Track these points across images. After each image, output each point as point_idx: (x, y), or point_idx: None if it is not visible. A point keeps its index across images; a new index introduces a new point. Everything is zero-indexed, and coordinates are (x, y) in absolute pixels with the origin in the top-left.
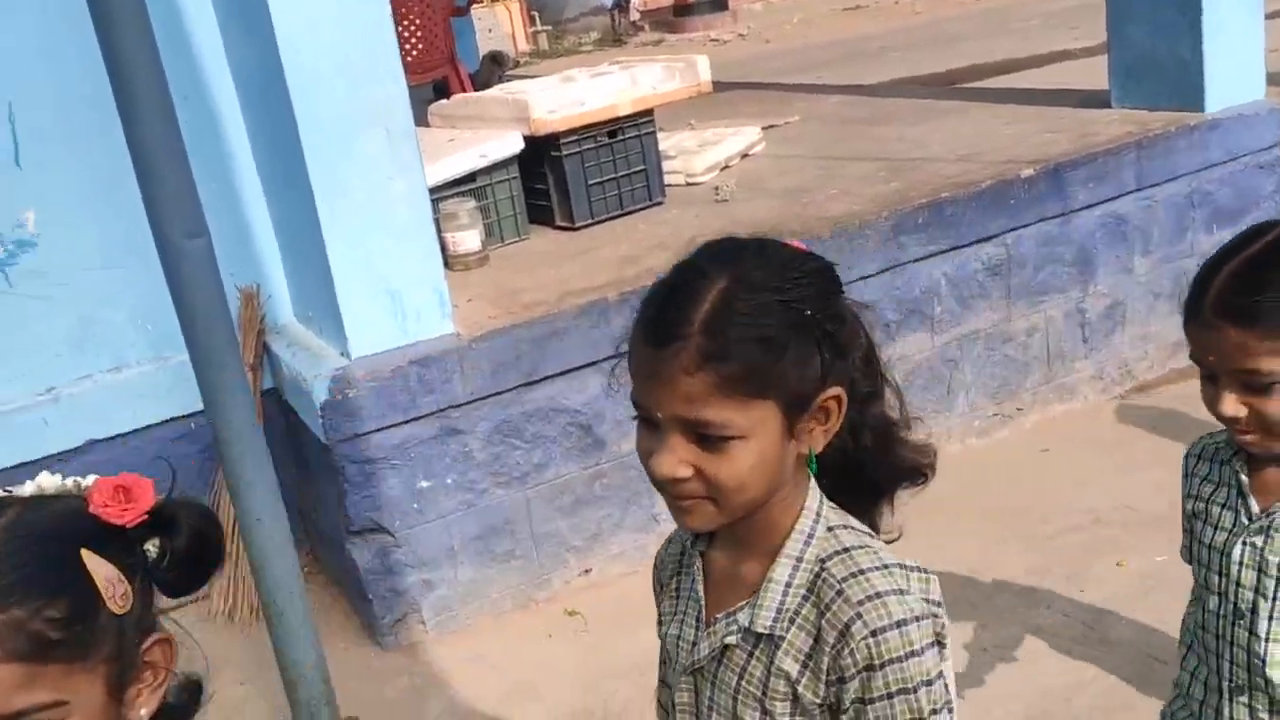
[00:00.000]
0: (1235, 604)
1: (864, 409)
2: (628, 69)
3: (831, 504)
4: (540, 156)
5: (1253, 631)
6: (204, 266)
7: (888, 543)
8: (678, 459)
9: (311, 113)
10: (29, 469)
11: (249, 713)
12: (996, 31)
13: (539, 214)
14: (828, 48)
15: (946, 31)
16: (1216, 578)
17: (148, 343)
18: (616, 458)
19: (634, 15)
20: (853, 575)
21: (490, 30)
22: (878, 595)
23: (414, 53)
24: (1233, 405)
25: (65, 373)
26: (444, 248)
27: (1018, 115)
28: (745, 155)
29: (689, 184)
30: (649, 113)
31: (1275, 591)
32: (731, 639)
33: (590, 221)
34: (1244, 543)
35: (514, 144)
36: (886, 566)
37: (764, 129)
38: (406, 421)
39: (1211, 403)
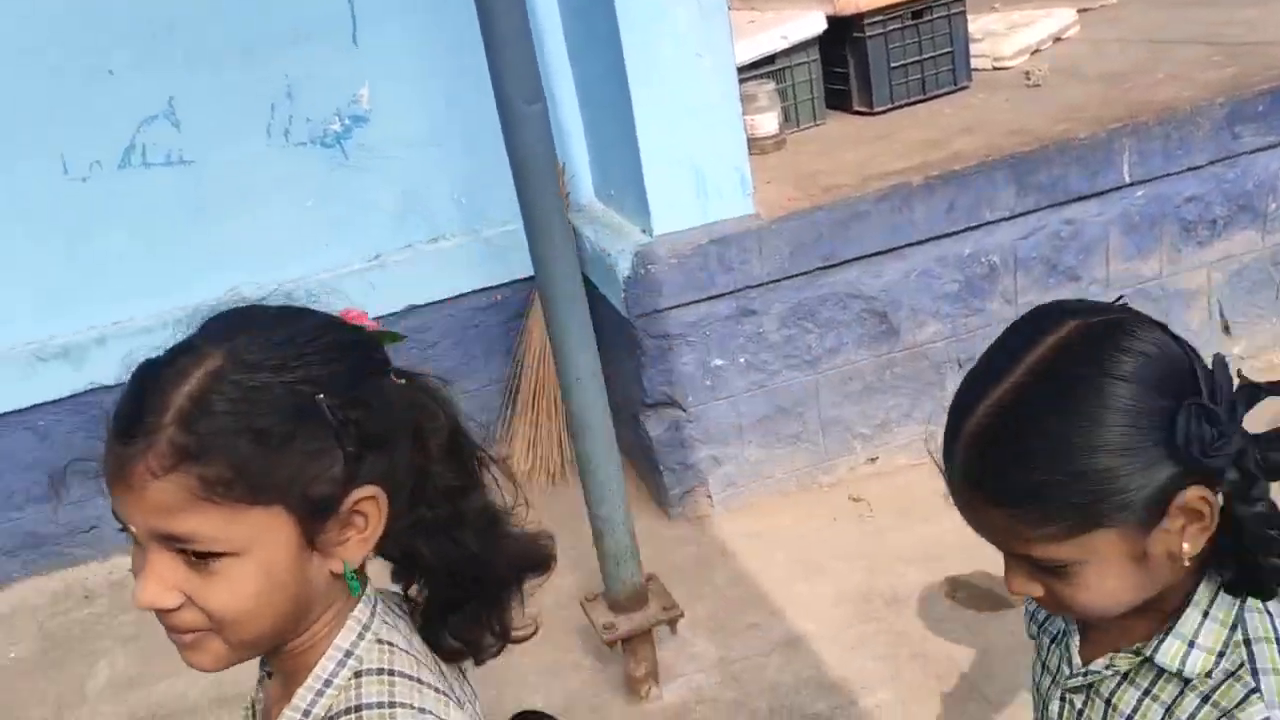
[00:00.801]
0: None
1: (458, 505)
2: None
3: (382, 639)
4: (840, 38)
5: None
6: (540, 131)
7: (523, 639)
8: (161, 585)
9: None
10: None
11: None
12: None
13: (835, 99)
14: None
15: None
16: None
17: (462, 217)
18: (910, 347)
19: None
20: None
21: None
22: None
23: None
24: (1022, 584)
25: (390, 241)
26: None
27: None
28: (1058, 39)
29: (996, 68)
30: None
31: None
32: None
33: (890, 106)
34: (1062, 698)
35: (816, 24)
36: None
37: (1079, 11)
38: (704, 299)
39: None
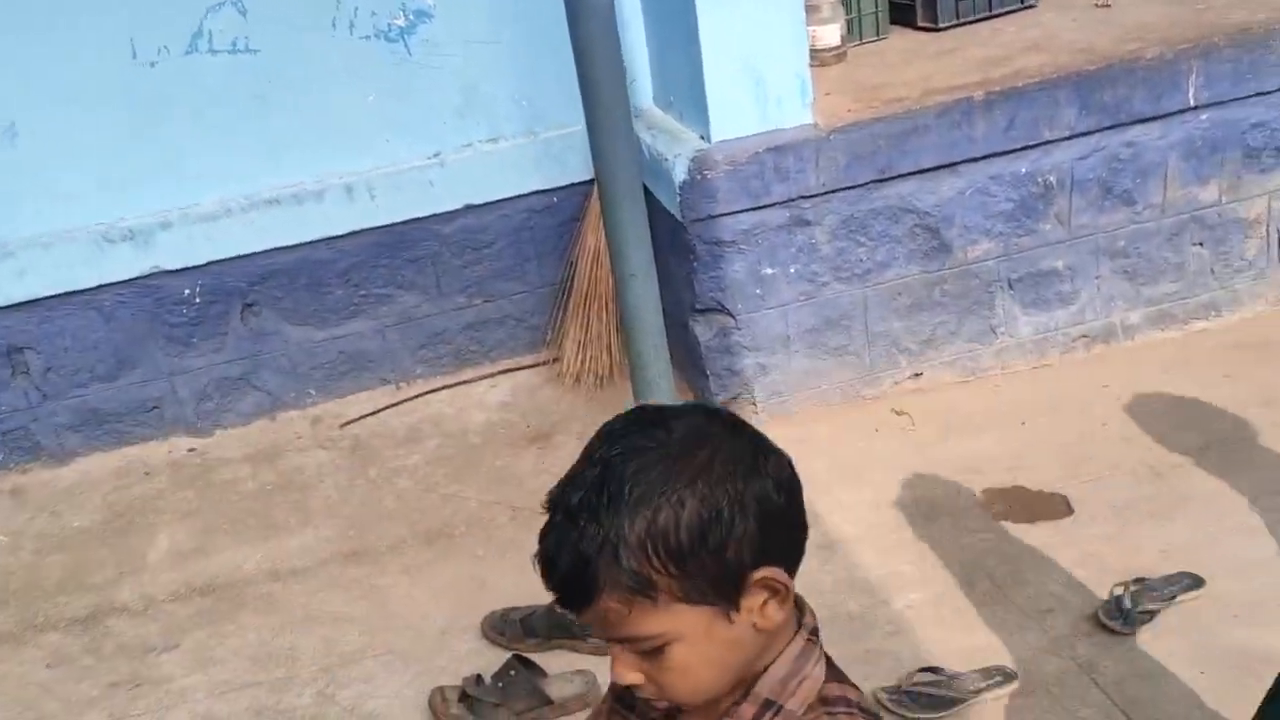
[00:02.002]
0: None
1: None
2: None
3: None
4: None
5: None
6: (606, 22)
7: None
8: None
9: None
10: (417, 225)
11: None
12: None
13: (899, 14)
14: None
15: None
16: None
17: (522, 117)
18: (960, 265)
19: None
20: None
21: None
22: None
23: None
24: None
25: (450, 139)
26: None
27: None
28: None
29: None
30: None
31: None
32: None
33: (955, 23)
34: None
35: None
36: None
37: None
38: (758, 208)
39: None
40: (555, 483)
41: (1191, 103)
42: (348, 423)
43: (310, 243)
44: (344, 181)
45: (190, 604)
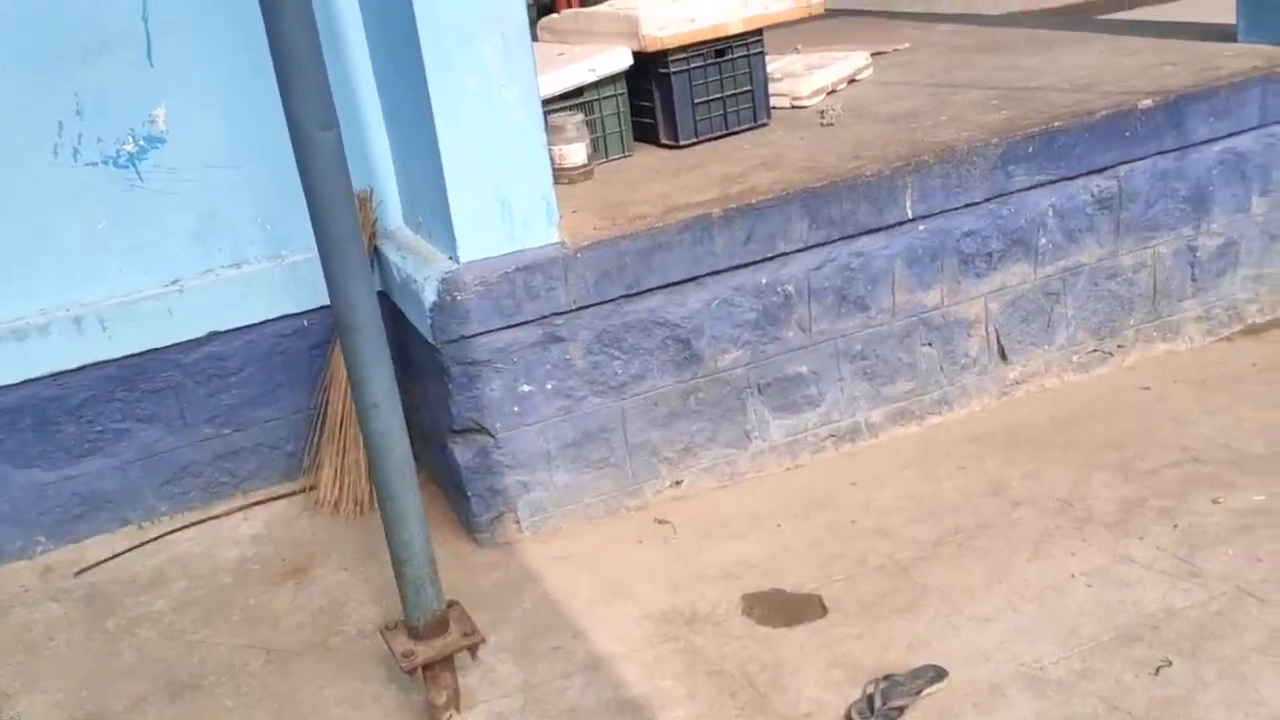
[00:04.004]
0: None
1: None
2: None
3: None
4: (647, 74)
5: None
6: (334, 157)
7: None
8: None
9: (431, 15)
10: (156, 355)
11: (353, 596)
12: None
13: (643, 131)
14: None
15: None
16: None
17: (266, 241)
18: (712, 373)
19: None
20: None
21: None
22: None
23: None
24: None
25: (189, 266)
26: (550, 161)
27: (1138, 47)
28: (852, 80)
29: (794, 107)
30: (758, 33)
31: None
32: None
33: (695, 140)
34: None
35: (623, 59)
36: None
37: (873, 55)
38: (510, 326)
39: None
40: (312, 620)
41: (909, 215)
42: (83, 570)
43: (35, 379)
44: (71, 314)
45: None
